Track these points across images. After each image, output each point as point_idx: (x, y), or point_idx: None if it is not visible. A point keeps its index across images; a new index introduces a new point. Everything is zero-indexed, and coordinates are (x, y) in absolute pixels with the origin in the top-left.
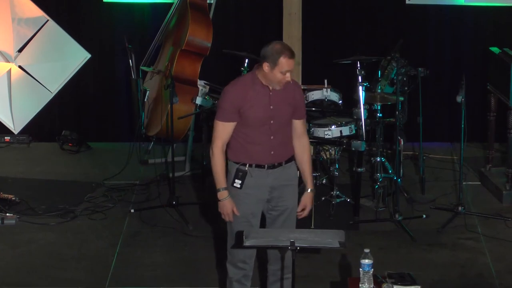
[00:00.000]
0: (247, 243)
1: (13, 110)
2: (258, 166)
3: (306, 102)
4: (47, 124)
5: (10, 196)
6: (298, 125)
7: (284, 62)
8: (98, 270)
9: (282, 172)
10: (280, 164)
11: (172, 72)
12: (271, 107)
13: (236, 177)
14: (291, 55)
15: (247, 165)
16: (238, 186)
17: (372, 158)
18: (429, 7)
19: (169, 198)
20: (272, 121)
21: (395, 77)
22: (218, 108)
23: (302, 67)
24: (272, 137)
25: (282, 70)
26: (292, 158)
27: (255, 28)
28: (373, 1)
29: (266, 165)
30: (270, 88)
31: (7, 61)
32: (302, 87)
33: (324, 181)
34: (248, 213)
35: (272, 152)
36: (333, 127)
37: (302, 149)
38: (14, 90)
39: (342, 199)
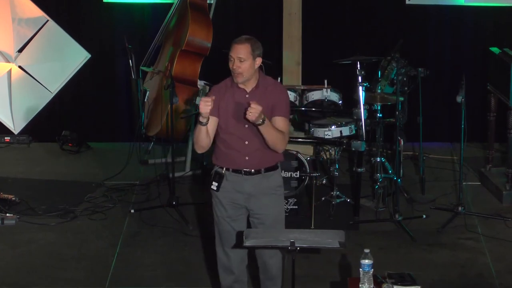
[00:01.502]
0: (247, 243)
1: (13, 110)
2: (234, 171)
3: (306, 102)
4: (47, 124)
5: (10, 196)
6: (276, 122)
7: (231, 47)
8: (98, 270)
9: (262, 180)
10: (258, 172)
11: (172, 72)
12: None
13: (213, 179)
14: (237, 40)
15: (224, 168)
16: (215, 188)
17: (372, 158)
18: (429, 7)
19: (169, 198)
20: (246, 125)
21: (395, 77)
22: None
23: (302, 67)
24: (246, 142)
25: (229, 56)
26: (274, 167)
27: (255, 28)
28: (373, 1)
29: (242, 171)
30: (248, 90)
31: (7, 61)
32: (302, 87)
33: (324, 181)
34: (225, 216)
35: (246, 158)
36: (333, 127)
37: None
38: (14, 90)
39: (342, 199)
